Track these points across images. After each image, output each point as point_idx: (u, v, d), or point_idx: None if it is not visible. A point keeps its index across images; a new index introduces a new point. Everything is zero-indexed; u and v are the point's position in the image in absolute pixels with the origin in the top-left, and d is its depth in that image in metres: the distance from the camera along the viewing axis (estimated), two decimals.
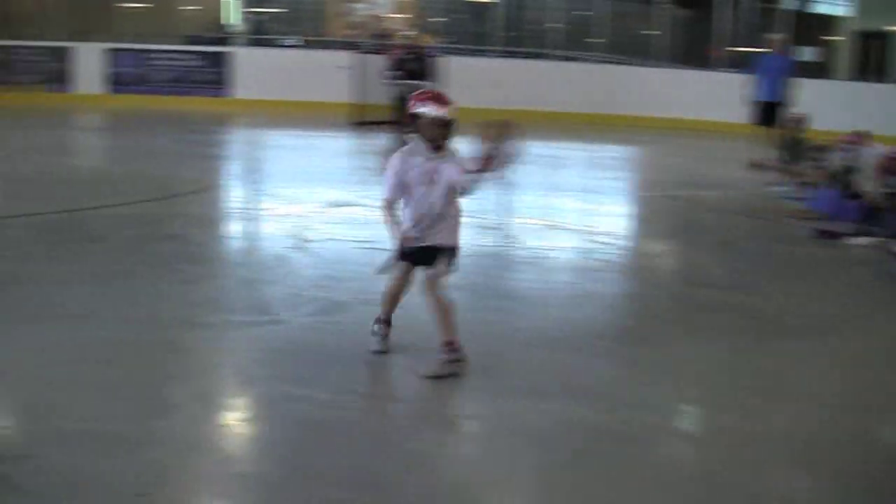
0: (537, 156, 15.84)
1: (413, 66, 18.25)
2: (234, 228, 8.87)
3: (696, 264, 8.25)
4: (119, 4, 22.90)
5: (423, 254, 5.09)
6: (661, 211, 11.22)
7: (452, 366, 4.99)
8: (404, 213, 5.13)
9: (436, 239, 5.11)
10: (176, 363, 5.03)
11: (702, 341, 5.90)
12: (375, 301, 5.73)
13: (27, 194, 9.93)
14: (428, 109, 5.07)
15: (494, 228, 9.13)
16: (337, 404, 4.59)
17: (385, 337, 5.34)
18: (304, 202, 10.03)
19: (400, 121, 18.22)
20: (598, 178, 13.36)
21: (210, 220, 8.96)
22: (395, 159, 5.19)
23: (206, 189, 10.70)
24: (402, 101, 18.26)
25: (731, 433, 4.54)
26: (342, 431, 4.32)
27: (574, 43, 28.40)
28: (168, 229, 8.34)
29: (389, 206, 5.14)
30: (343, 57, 19.14)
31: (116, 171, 12.06)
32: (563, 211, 10.48)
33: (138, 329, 5.47)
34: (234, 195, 10.95)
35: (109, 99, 20.82)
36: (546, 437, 4.39)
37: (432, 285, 5.07)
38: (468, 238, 8.64)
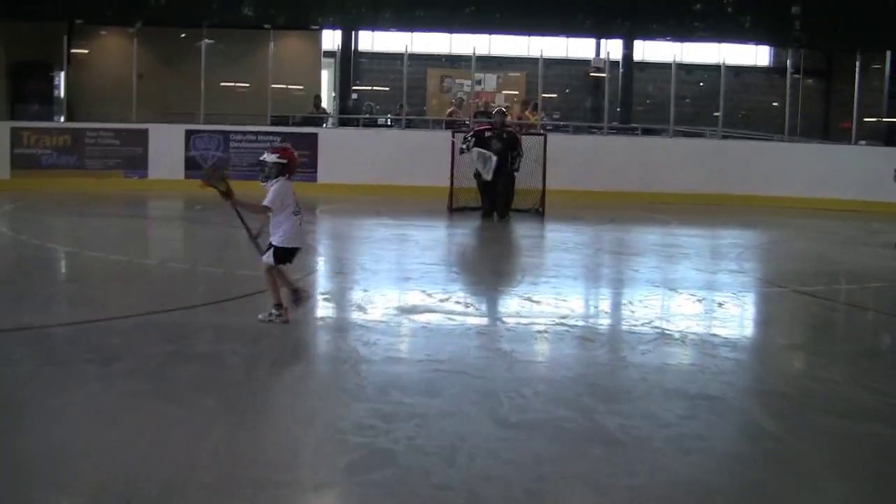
0: (650, 245, 14.68)
1: (495, 146, 17.10)
2: (277, 345, 7.62)
3: (839, 385, 6.82)
4: (225, 84, 22.60)
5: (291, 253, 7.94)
6: (793, 311, 9.89)
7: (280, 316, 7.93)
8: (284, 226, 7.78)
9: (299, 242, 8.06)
10: None
11: None
12: (431, 450, 4.90)
13: (58, 297, 9.23)
14: (267, 156, 7.87)
15: (592, 339, 7.91)
16: None
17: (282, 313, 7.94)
18: (374, 307, 8.95)
19: (487, 205, 17.12)
20: (719, 271, 12.04)
21: (253, 332, 7.82)
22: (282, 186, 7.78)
23: (263, 290, 9.67)
24: (479, 181, 17.12)
25: None
26: None
27: (693, 117, 27.25)
28: (200, 345, 7.32)
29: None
30: (454, 137, 18.20)
31: (171, 268, 11.22)
32: (678, 315, 9.11)
33: (106, 500, 4.39)
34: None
35: (188, 184, 20.33)
36: None
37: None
38: (555, 354, 7.58)
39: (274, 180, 7.75)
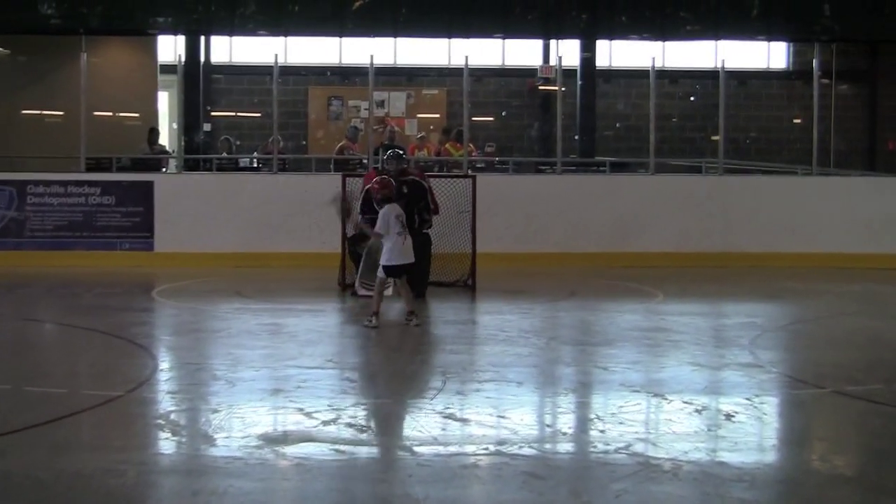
0: (626, 330, 14.53)
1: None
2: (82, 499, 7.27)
3: None
4: (20, 114, 22.38)
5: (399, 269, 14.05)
6: (839, 424, 9.76)
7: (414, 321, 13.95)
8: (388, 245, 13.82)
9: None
10: None
11: None
12: None
13: None
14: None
15: (543, 477, 7.61)
16: None
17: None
18: (228, 436, 8.66)
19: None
20: (725, 366, 11.95)
21: (45, 480, 7.44)
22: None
23: (74, 413, 9.29)
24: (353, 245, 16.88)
25: None
26: None
27: (682, 144, 27.39)
28: None
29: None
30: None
31: None
32: (667, 434, 8.98)
33: None
34: (114, 426, 9.39)
35: None
36: None
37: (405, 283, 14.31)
38: (490, 500, 7.28)
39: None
